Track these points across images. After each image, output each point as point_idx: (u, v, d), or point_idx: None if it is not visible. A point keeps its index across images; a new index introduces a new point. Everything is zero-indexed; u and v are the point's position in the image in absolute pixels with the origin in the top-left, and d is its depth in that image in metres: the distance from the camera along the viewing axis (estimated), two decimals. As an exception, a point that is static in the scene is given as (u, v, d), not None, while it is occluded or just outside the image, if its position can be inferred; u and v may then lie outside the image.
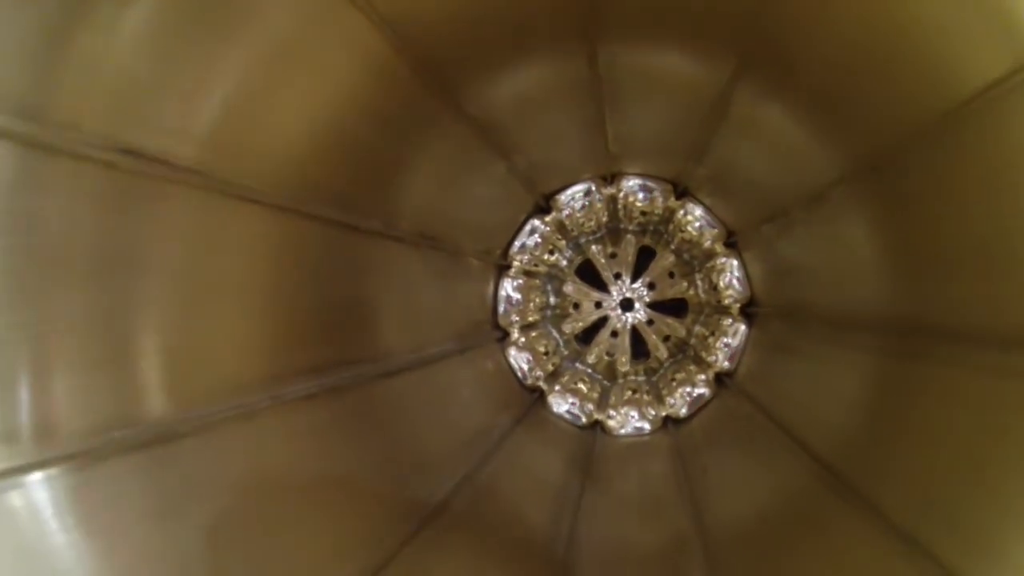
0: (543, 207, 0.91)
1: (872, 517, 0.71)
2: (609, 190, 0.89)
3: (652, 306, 0.92)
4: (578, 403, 0.90)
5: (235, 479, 0.66)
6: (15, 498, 0.52)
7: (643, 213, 0.90)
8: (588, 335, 0.94)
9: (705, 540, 0.83)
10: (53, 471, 0.53)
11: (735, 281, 0.88)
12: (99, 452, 0.56)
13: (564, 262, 0.93)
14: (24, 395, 0.52)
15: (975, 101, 0.59)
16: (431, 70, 0.73)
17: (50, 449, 0.53)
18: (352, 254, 0.80)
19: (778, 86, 0.79)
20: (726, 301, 0.88)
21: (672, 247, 0.90)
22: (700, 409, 0.89)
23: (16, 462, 0.51)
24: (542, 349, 0.92)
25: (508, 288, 0.92)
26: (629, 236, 0.92)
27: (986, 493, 0.61)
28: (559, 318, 0.93)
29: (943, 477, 0.67)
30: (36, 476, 0.53)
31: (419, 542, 0.75)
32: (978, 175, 0.63)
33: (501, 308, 0.92)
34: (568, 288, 0.92)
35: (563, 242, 0.92)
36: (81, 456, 0.55)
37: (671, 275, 0.91)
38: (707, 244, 0.89)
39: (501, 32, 0.75)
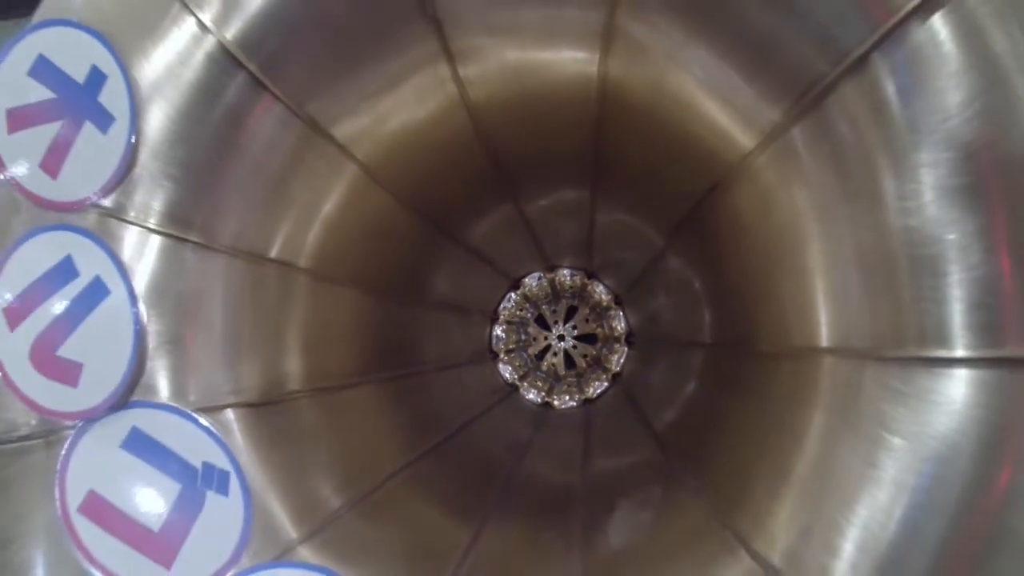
0: (515, 286, 1.39)
1: (701, 497, 0.84)
2: (550, 275, 1.43)
3: (576, 338, 1.44)
4: (536, 392, 1.40)
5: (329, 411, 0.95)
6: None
7: (570, 287, 1.43)
8: (541, 355, 1.38)
9: (590, 483, 1.08)
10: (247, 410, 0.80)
11: (621, 323, 1.41)
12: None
13: (528, 315, 1.42)
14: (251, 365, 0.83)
15: (726, 178, 0.76)
16: (429, 219, 1.09)
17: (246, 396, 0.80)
18: (408, 314, 1.24)
19: (612, 191, 1.09)
20: (616, 334, 1.41)
21: (588, 306, 1.44)
22: (602, 395, 1.39)
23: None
24: (517, 363, 1.40)
25: (498, 331, 1.39)
26: (563, 300, 1.46)
27: (777, 478, 0.70)
28: (525, 346, 1.45)
29: (741, 464, 0.80)
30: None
31: (424, 462, 1.04)
32: (739, 226, 0.80)
33: (493, 342, 1.39)
34: (530, 330, 1.44)
35: (527, 304, 1.44)
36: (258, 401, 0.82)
37: (587, 320, 1.44)
38: (605, 303, 1.42)
39: (457, 198, 1.10)
